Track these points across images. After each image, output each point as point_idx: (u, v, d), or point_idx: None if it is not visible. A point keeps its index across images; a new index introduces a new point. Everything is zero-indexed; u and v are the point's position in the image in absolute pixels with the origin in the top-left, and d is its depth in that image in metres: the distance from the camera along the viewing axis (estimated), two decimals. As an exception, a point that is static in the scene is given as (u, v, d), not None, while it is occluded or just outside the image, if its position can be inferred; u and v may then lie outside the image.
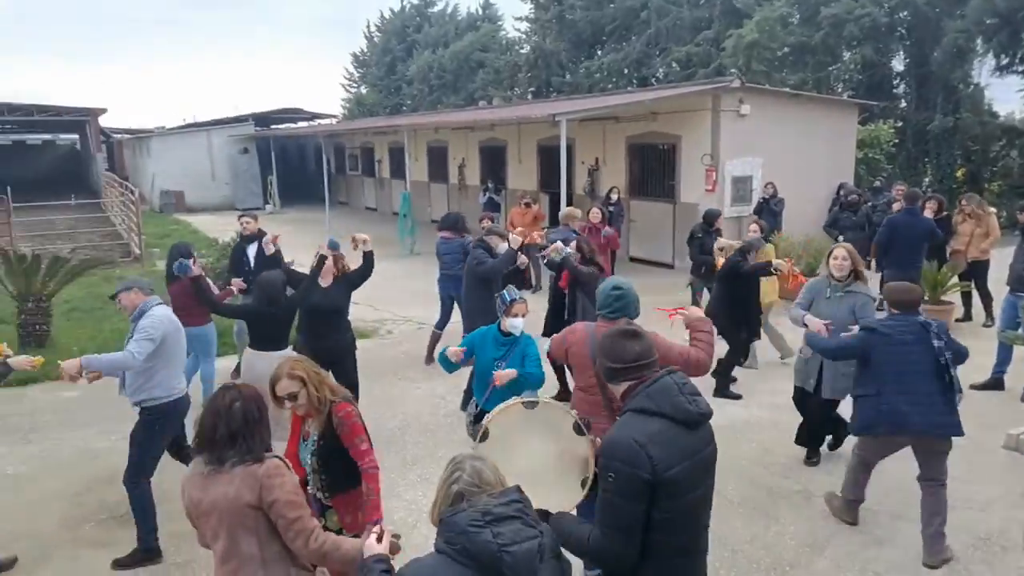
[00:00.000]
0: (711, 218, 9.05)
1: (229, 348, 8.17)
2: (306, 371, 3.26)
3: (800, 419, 5.71)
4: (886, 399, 4.30)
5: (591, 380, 3.68)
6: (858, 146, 15.68)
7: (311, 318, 5.88)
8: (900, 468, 4.88)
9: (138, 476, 4.42)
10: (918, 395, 4.25)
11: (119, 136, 37.34)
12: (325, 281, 5.88)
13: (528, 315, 4.69)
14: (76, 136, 45.95)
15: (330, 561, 2.67)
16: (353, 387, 6.13)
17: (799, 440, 5.72)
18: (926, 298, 9.14)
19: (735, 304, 6.92)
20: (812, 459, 5.64)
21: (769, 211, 12.19)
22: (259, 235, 7.50)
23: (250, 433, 2.69)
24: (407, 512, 5.02)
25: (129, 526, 4.53)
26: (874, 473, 4.76)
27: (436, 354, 5.97)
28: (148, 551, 4.42)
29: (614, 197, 12.54)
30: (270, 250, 7.15)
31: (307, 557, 2.67)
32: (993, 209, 9.69)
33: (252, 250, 7.42)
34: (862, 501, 4.78)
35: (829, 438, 5.80)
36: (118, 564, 4.36)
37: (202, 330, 6.60)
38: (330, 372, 5.85)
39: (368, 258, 6.17)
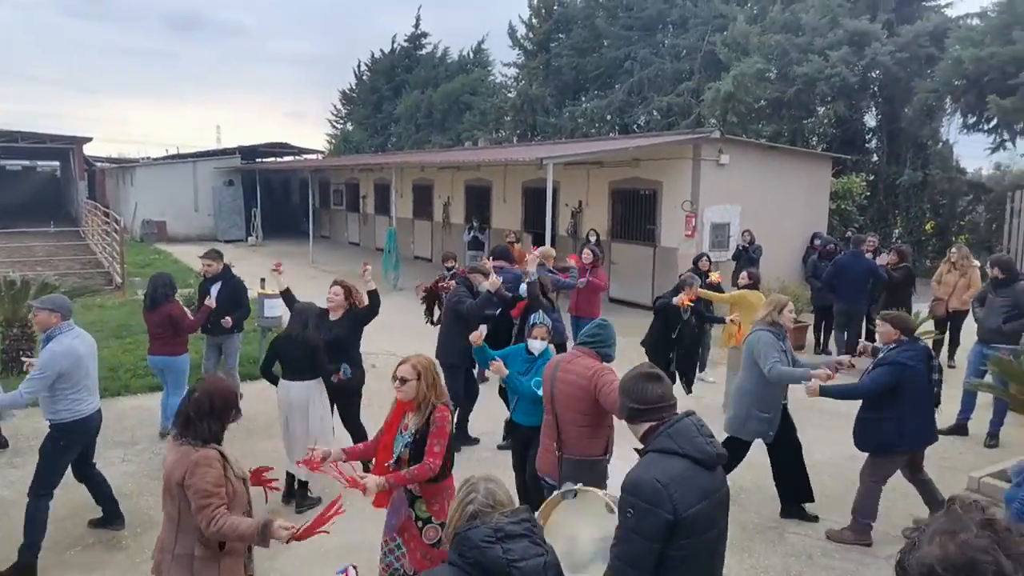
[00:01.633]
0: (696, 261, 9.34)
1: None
2: (424, 368, 3.77)
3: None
4: (909, 422, 4.89)
5: (547, 401, 4.18)
6: (831, 197, 16.21)
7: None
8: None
9: (39, 488, 4.62)
10: (928, 413, 5.00)
11: (102, 165, 37.29)
12: (334, 315, 6.00)
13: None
14: (58, 163, 45.76)
15: (229, 539, 3.05)
16: (356, 426, 6.19)
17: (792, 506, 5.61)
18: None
19: (664, 339, 7.58)
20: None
21: (747, 258, 12.54)
22: (222, 275, 7.54)
23: (199, 420, 3.13)
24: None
25: (116, 550, 4.58)
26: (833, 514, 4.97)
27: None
28: (22, 568, 4.47)
29: (593, 238, 12.88)
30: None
31: (209, 536, 3.06)
32: (977, 262, 9.93)
33: (215, 290, 7.42)
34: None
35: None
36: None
37: (176, 360, 6.69)
38: (335, 405, 6.04)
39: (373, 297, 6.22)
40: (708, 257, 9.33)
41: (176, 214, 27.53)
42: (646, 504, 2.51)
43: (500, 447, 6.84)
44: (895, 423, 4.91)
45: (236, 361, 7.70)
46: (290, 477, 5.71)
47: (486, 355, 5.06)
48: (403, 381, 3.75)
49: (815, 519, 5.49)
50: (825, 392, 5.06)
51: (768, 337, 5.35)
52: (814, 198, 15.00)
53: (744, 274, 8.18)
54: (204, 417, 3.15)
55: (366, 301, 6.26)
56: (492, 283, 6.43)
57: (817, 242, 13.27)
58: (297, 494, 5.72)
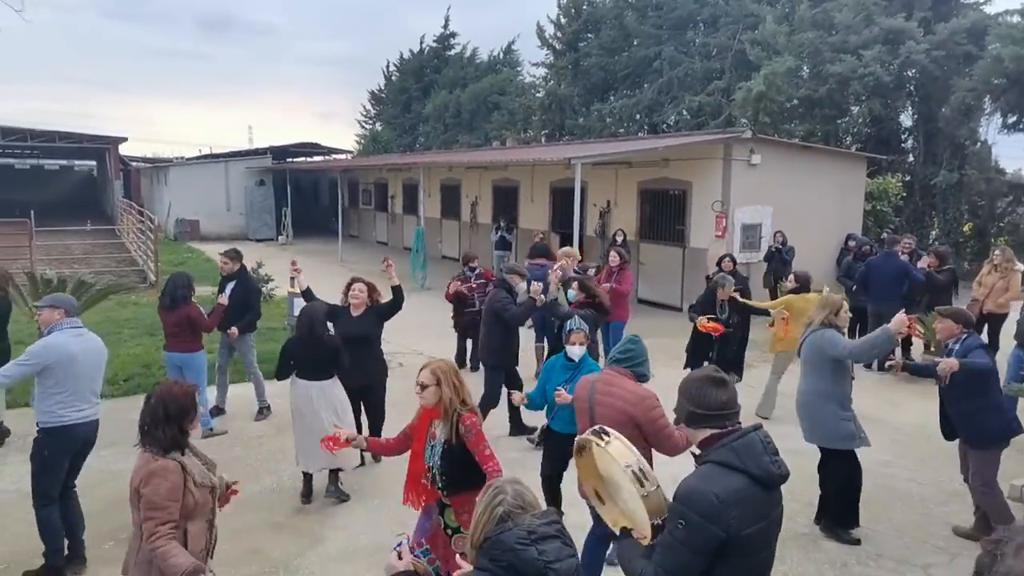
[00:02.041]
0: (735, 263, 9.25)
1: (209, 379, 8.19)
2: (445, 373, 3.68)
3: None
4: (1008, 407, 4.95)
5: (585, 426, 3.78)
6: (866, 198, 15.92)
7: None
8: (899, 515, 4.94)
9: (39, 499, 4.48)
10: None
11: (137, 164, 38.00)
12: (357, 311, 6.04)
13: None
14: (94, 163, 46.75)
15: (160, 560, 2.95)
16: (381, 416, 6.29)
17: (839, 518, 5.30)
18: (931, 348, 9.30)
19: (703, 340, 7.68)
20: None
21: (780, 259, 12.38)
22: (238, 275, 7.61)
23: (154, 427, 3.11)
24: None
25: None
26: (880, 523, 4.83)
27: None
28: (49, 570, 4.52)
29: (620, 239, 12.81)
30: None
31: (145, 550, 3.02)
32: (1021, 266, 9.66)
33: (229, 288, 7.50)
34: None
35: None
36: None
37: (194, 356, 6.77)
38: (361, 400, 6.10)
39: (397, 292, 6.31)
40: (732, 257, 9.20)
41: (209, 213, 27.96)
42: (700, 518, 2.38)
43: (532, 441, 6.85)
44: (998, 412, 4.85)
45: (253, 359, 7.72)
46: (307, 476, 5.71)
47: (534, 405, 5.09)
48: (423, 387, 3.68)
49: (858, 542, 5.15)
50: (963, 366, 4.74)
51: (831, 332, 5.15)
52: (848, 199, 14.74)
53: (791, 276, 8.05)
54: (159, 424, 3.10)
55: (388, 297, 6.32)
56: (534, 291, 6.49)
57: (851, 243, 13.05)
58: (329, 488, 5.72)
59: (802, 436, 5.39)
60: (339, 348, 5.72)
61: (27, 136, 32.08)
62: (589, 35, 28.93)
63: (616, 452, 2.54)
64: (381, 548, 4.97)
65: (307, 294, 6.48)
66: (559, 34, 29.78)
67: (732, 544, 2.39)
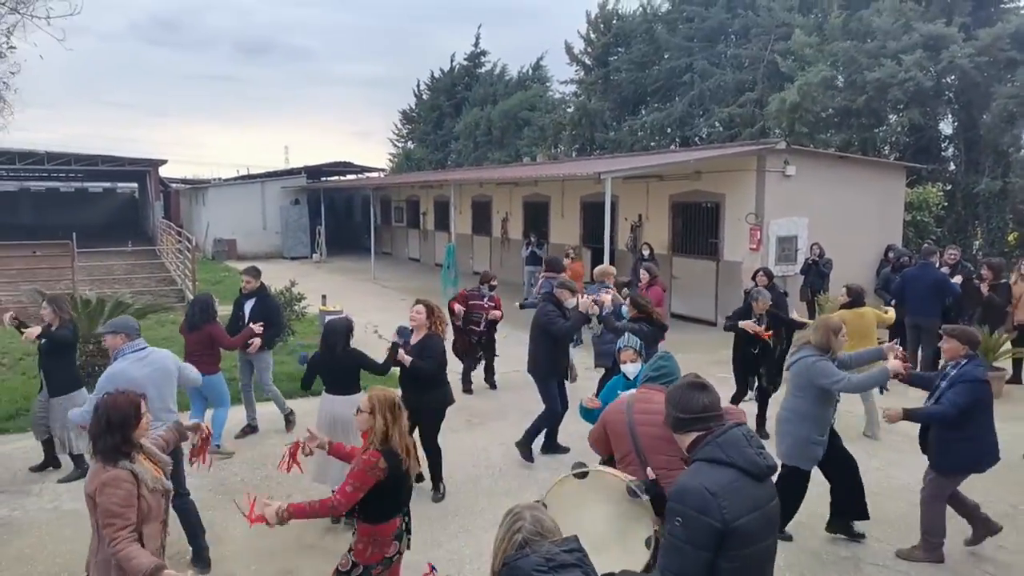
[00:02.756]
0: (771, 276, 9.02)
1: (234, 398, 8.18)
2: (380, 402, 3.61)
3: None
4: (987, 438, 4.84)
5: (626, 450, 3.70)
6: (906, 208, 15.55)
7: (401, 369, 5.94)
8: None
9: None
10: (994, 431, 4.92)
11: (176, 186, 38.92)
12: (418, 333, 5.95)
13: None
14: (135, 185, 48.01)
15: (122, 563, 3.08)
16: (426, 441, 6.00)
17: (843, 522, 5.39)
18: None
19: (747, 357, 7.69)
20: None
21: (817, 272, 12.14)
22: (257, 292, 7.67)
23: (99, 437, 3.23)
24: (448, 563, 5.02)
25: (185, 564, 4.65)
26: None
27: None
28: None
29: (646, 252, 12.72)
30: (253, 349, 7.32)
31: (104, 551, 3.17)
32: None
33: (248, 306, 7.57)
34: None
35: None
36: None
37: (213, 379, 6.79)
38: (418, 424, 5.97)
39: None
40: (766, 271, 8.92)
41: (246, 232, 28.46)
42: (694, 512, 2.48)
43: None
44: (972, 443, 4.83)
45: (270, 377, 7.74)
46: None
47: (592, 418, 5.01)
48: (358, 411, 3.67)
49: (861, 536, 5.27)
50: (909, 417, 4.86)
51: (822, 361, 5.01)
52: (887, 209, 14.40)
53: (843, 289, 7.85)
54: (103, 434, 3.22)
55: (448, 321, 6.24)
56: (584, 304, 6.40)
57: (891, 254, 12.76)
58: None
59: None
60: (358, 362, 5.70)
61: (71, 160, 33.10)
62: (619, 49, 28.91)
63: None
64: (408, 567, 4.91)
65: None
66: (589, 49, 29.83)
67: (730, 535, 2.47)
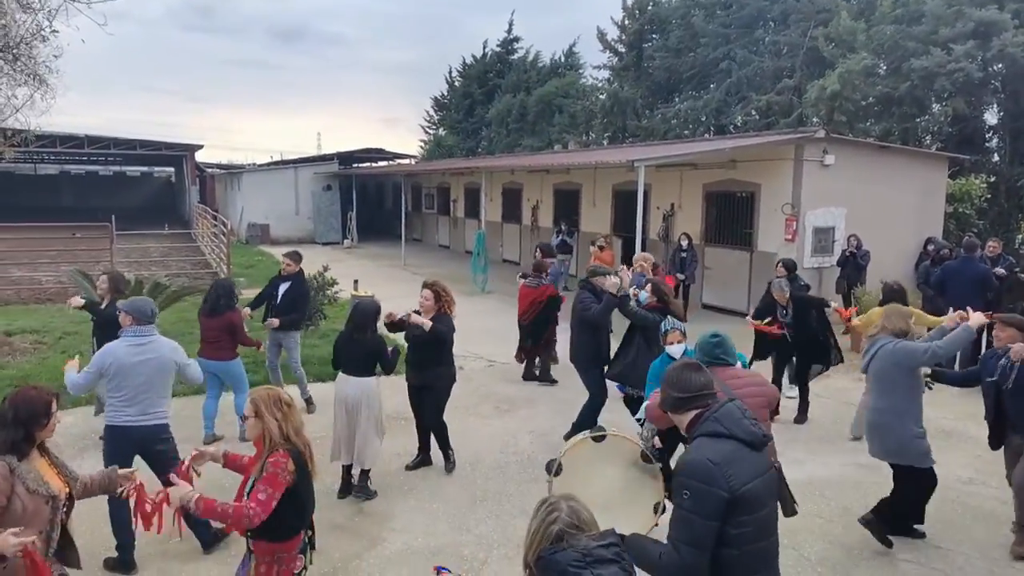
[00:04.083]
0: (791, 267, 8.79)
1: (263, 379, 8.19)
2: (266, 403, 3.26)
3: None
4: None
5: (764, 416, 3.83)
6: (948, 200, 15.14)
7: (410, 347, 6.17)
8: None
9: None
10: None
11: (212, 171, 39.48)
12: (426, 315, 6.01)
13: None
14: (172, 169, 48.81)
15: None
16: (431, 418, 6.22)
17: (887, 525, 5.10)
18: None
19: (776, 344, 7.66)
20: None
21: (855, 264, 11.89)
22: (294, 277, 7.80)
23: (2, 428, 3.04)
24: (477, 547, 5.04)
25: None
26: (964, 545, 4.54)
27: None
28: (118, 563, 4.66)
29: (684, 243, 12.58)
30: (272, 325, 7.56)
31: None
32: None
33: (283, 288, 7.73)
34: None
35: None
36: (106, 565, 4.66)
37: (231, 364, 6.85)
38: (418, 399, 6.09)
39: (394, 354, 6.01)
40: (785, 263, 8.58)
41: (279, 217, 28.78)
42: (701, 484, 2.60)
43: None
44: None
45: (298, 357, 7.89)
46: (345, 470, 5.78)
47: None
48: (243, 418, 3.37)
49: (922, 535, 5.11)
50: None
51: (903, 342, 4.90)
52: (928, 201, 14.03)
53: (883, 286, 7.66)
54: (4, 425, 3.05)
55: (455, 304, 6.26)
56: (612, 284, 6.40)
57: (931, 247, 12.45)
58: (355, 485, 5.75)
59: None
60: (379, 349, 5.75)
61: (110, 144, 33.72)
62: (653, 36, 28.52)
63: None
64: (438, 551, 4.94)
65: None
66: (622, 36, 29.48)
67: (736, 503, 2.61)
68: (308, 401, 7.86)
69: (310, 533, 3.48)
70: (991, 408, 5.13)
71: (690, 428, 2.86)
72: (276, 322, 7.54)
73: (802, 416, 7.60)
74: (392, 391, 7.16)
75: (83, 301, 6.92)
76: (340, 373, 5.80)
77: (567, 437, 6.79)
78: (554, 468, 3.28)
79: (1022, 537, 4.92)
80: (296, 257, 7.95)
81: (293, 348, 7.84)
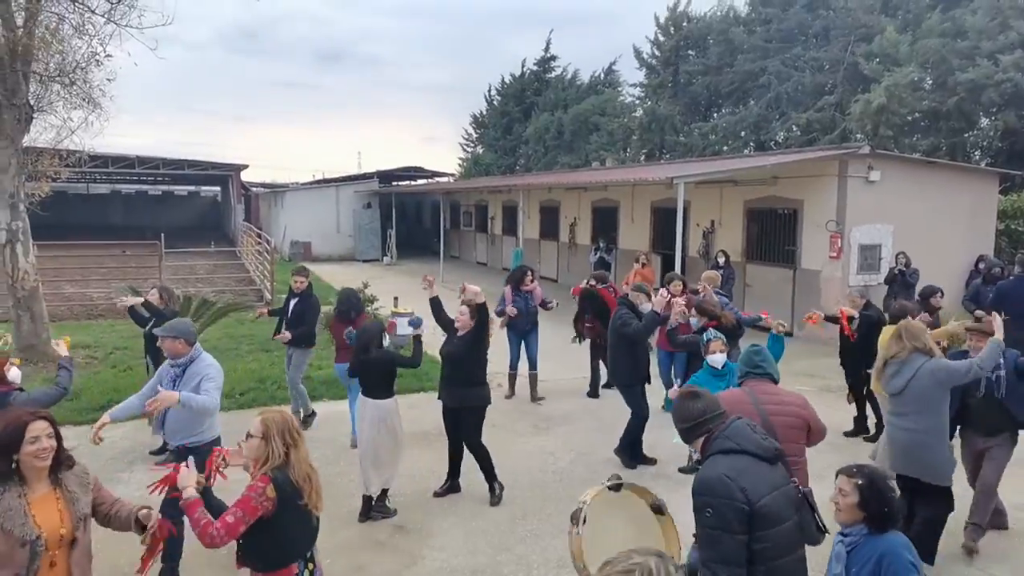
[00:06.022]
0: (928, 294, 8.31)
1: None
2: (276, 425, 3.13)
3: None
4: None
5: (798, 438, 3.84)
6: (999, 217, 14.71)
7: (444, 364, 6.15)
8: None
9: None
10: None
11: (256, 190, 40.37)
12: (462, 331, 6.00)
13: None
14: (218, 189, 50.06)
15: None
16: (478, 444, 6.07)
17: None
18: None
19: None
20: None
21: (903, 283, 11.60)
22: (303, 292, 7.91)
23: None
24: (517, 566, 5.00)
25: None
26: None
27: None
28: (164, 571, 4.69)
29: (721, 260, 12.42)
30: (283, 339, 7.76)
31: None
32: None
33: (293, 303, 7.91)
34: None
35: None
36: None
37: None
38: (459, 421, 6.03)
39: (481, 311, 5.97)
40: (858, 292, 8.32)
41: (321, 235, 29.30)
42: (721, 499, 2.64)
43: (682, 470, 6.51)
44: None
45: (299, 374, 8.00)
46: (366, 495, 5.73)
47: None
48: (248, 436, 3.16)
49: None
50: None
51: (941, 360, 4.85)
52: (978, 218, 13.66)
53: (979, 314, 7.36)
54: None
55: (494, 323, 6.27)
56: (657, 302, 6.39)
57: (982, 265, 12.07)
58: (375, 504, 5.71)
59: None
60: (389, 363, 5.75)
61: (159, 164, 34.74)
62: (690, 52, 28.44)
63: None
64: (478, 571, 4.92)
65: (435, 304, 6.34)
66: (656, 52, 29.44)
67: (757, 516, 2.62)
68: (305, 420, 7.92)
69: (311, 566, 3.28)
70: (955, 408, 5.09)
71: (703, 451, 2.92)
72: (288, 335, 7.68)
73: (860, 427, 7.68)
74: (433, 407, 7.17)
75: (137, 300, 7.24)
76: (361, 396, 5.80)
77: (617, 451, 6.79)
78: (580, 518, 3.17)
79: (976, 534, 5.01)
80: (305, 272, 8.17)
81: (301, 364, 8.00)
